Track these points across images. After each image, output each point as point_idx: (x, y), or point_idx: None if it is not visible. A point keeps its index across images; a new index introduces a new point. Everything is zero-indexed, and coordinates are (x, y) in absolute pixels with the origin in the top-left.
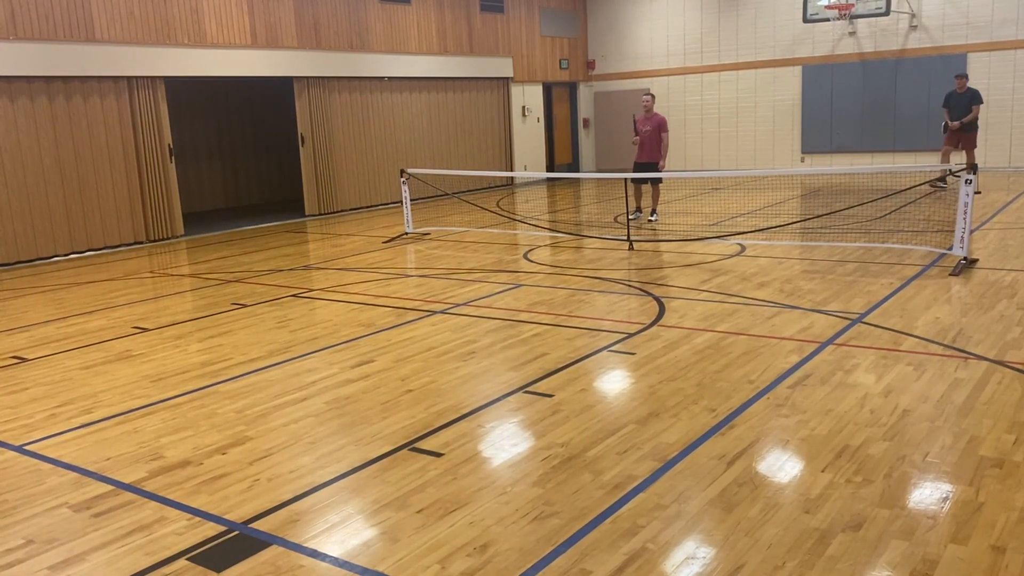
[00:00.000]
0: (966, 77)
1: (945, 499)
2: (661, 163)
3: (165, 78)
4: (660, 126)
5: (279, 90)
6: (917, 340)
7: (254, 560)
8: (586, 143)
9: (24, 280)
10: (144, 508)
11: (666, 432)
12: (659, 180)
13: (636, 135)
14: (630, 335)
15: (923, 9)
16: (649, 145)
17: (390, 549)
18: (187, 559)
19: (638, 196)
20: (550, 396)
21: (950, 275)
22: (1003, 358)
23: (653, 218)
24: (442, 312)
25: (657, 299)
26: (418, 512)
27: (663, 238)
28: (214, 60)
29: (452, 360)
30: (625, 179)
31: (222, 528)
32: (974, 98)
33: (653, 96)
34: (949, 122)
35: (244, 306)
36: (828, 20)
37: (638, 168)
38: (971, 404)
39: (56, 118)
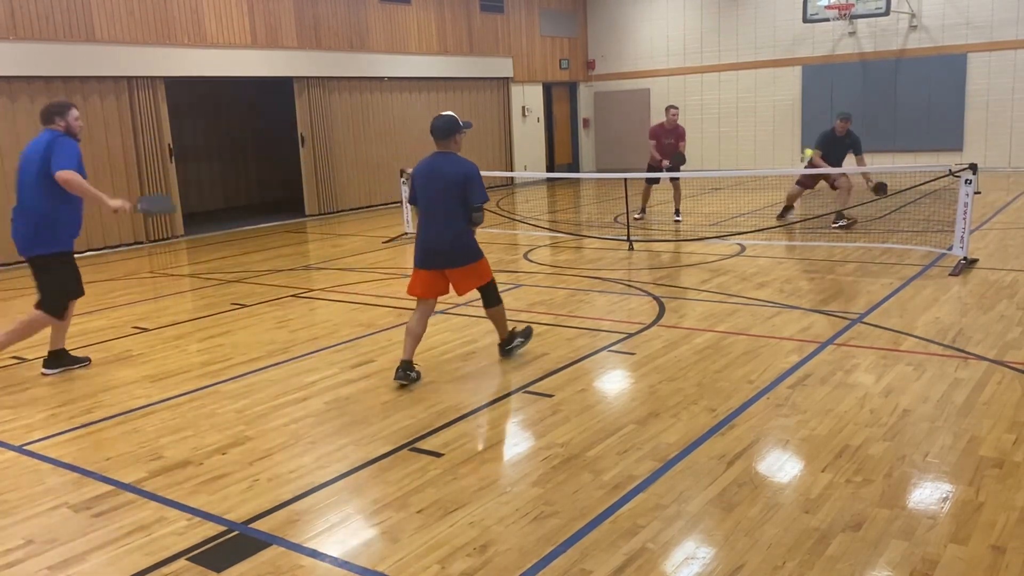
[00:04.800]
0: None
1: (945, 499)
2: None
3: (165, 78)
4: (681, 136)
5: (279, 90)
6: (917, 340)
7: (254, 560)
8: (586, 143)
9: (24, 280)
10: (144, 508)
11: (666, 432)
12: (677, 178)
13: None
14: (630, 335)
15: (923, 9)
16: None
17: (390, 549)
18: (187, 559)
19: (646, 197)
20: (550, 396)
21: (950, 275)
22: (1003, 358)
23: (678, 218)
24: (442, 312)
25: (657, 299)
26: (418, 512)
27: (663, 238)
28: (214, 60)
29: (452, 360)
30: (625, 180)
31: (222, 528)
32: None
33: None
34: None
35: (244, 306)
36: (828, 20)
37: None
38: (971, 404)
39: None
